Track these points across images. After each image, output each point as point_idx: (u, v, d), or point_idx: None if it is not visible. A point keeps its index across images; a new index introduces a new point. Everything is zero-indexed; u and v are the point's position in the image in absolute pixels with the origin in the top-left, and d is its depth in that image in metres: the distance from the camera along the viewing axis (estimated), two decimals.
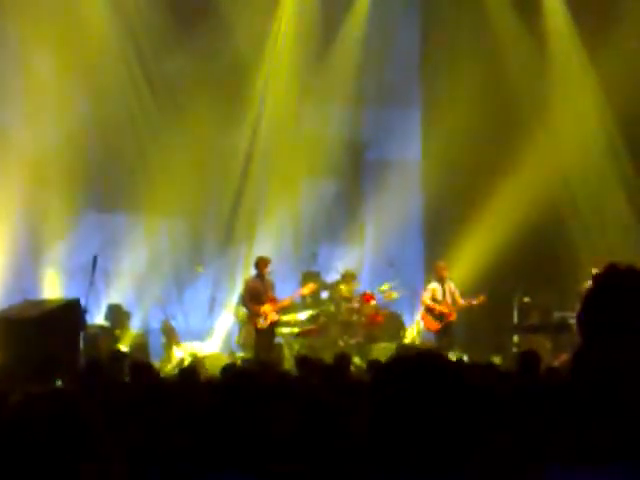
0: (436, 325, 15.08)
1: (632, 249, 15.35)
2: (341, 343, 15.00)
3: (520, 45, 17.03)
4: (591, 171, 16.73)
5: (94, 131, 15.95)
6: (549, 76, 17.04)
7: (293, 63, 17.26)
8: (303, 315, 15.34)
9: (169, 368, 14.14)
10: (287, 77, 17.22)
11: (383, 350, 14.66)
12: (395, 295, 15.91)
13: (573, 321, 14.75)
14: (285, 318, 15.01)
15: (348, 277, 15.74)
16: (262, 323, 14.00)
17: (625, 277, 2.44)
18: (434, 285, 15.22)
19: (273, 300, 14.16)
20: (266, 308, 14.01)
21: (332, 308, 15.53)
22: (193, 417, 4.27)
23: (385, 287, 15.92)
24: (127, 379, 8.22)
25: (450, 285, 15.24)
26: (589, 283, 14.66)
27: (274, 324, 14.22)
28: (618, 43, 15.47)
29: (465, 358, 12.88)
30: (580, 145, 16.67)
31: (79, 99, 15.91)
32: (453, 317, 15.10)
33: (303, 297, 15.60)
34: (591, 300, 2.46)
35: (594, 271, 14.61)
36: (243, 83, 16.63)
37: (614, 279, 2.45)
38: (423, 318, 15.31)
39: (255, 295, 14.13)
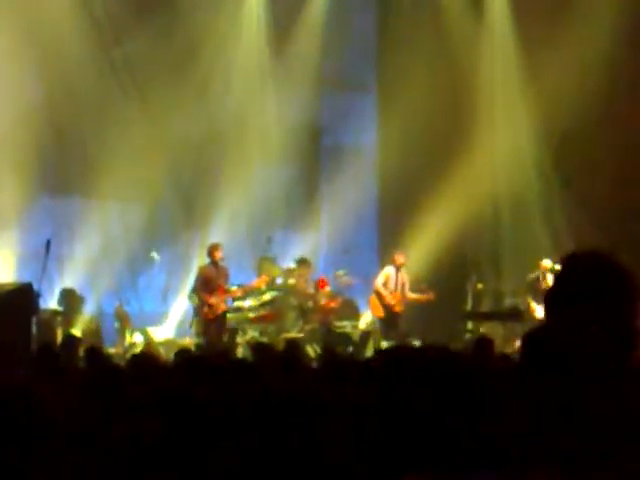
0: (381, 313, 15.12)
1: (573, 239, 15.55)
2: (296, 329, 15.02)
3: (471, 34, 17.24)
4: (539, 161, 16.91)
5: (48, 114, 15.74)
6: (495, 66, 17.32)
7: (251, 48, 17.23)
8: (257, 301, 15.32)
9: (122, 353, 14.09)
10: (245, 62, 17.18)
11: (343, 337, 14.76)
12: (349, 281, 15.95)
13: (524, 308, 14.95)
14: (239, 304, 15.00)
15: (303, 263, 15.76)
16: (211, 314, 13.99)
17: (589, 261, 2.48)
18: (389, 271, 15.21)
19: (223, 289, 14.13)
20: (215, 299, 13.98)
21: (287, 294, 15.53)
22: (147, 402, 4.26)
23: (340, 273, 15.96)
24: (81, 364, 8.17)
25: (403, 275, 15.26)
26: (536, 273, 14.89)
27: (224, 313, 14.22)
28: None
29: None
30: (528, 136, 16.87)
31: (33, 81, 15.72)
32: (399, 309, 15.10)
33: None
34: (556, 284, 2.50)
35: (541, 263, 14.81)
36: (200, 67, 16.53)
37: (577, 264, 2.48)
38: (371, 302, 15.33)
39: (207, 283, 14.08)
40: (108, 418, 4.54)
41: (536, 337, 2.41)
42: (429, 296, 15.18)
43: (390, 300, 14.98)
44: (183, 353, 7.51)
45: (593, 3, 15.95)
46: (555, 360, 2.32)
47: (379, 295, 15.07)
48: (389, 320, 15.02)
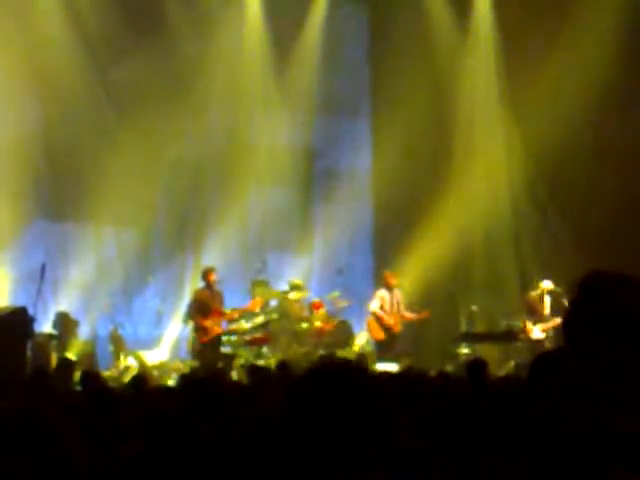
0: (381, 335, 15.11)
1: (565, 264, 15.56)
2: (290, 352, 15.00)
3: (462, 58, 17.35)
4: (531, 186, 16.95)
5: (43, 138, 15.79)
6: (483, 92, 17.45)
7: (247, 73, 17.28)
8: (252, 323, 15.30)
9: (116, 376, 14.07)
10: (239, 86, 17.22)
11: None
12: (344, 303, 15.95)
13: (519, 329, 14.94)
14: (234, 326, 14.99)
15: (297, 285, 15.76)
16: (206, 337, 14.00)
17: (611, 283, 2.47)
18: (383, 293, 15.24)
19: (219, 312, 14.14)
20: (210, 323, 13.99)
21: (281, 316, 15.51)
22: (145, 425, 4.27)
23: (334, 295, 15.96)
24: (76, 388, 8.17)
25: (397, 295, 15.28)
26: (535, 293, 14.79)
27: (219, 336, 14.23)
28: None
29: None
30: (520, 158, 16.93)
31: (28, 106, 15.76)
32: (398, 329, 15.13)
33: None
34: (577, 305, 2.48)
35: (540, 283, 14.79)
36: (195, 92, 16.57)
37: (600, 285, 2.47)
38: (370, 325, 15.32)
39: (202, 306, 14.09)
40: (103, 441, 4.55)
41: (550, 360, 2.40)
42: (424, 314, 15.19)
43: (390, 321, 15.01)
44: (186, 377, 7.49)
45: (583, 31, 15.99)
46: (570, 384, 2.31)
47: (378, 318, 15.08)
48: (388, 342, 15.04)
